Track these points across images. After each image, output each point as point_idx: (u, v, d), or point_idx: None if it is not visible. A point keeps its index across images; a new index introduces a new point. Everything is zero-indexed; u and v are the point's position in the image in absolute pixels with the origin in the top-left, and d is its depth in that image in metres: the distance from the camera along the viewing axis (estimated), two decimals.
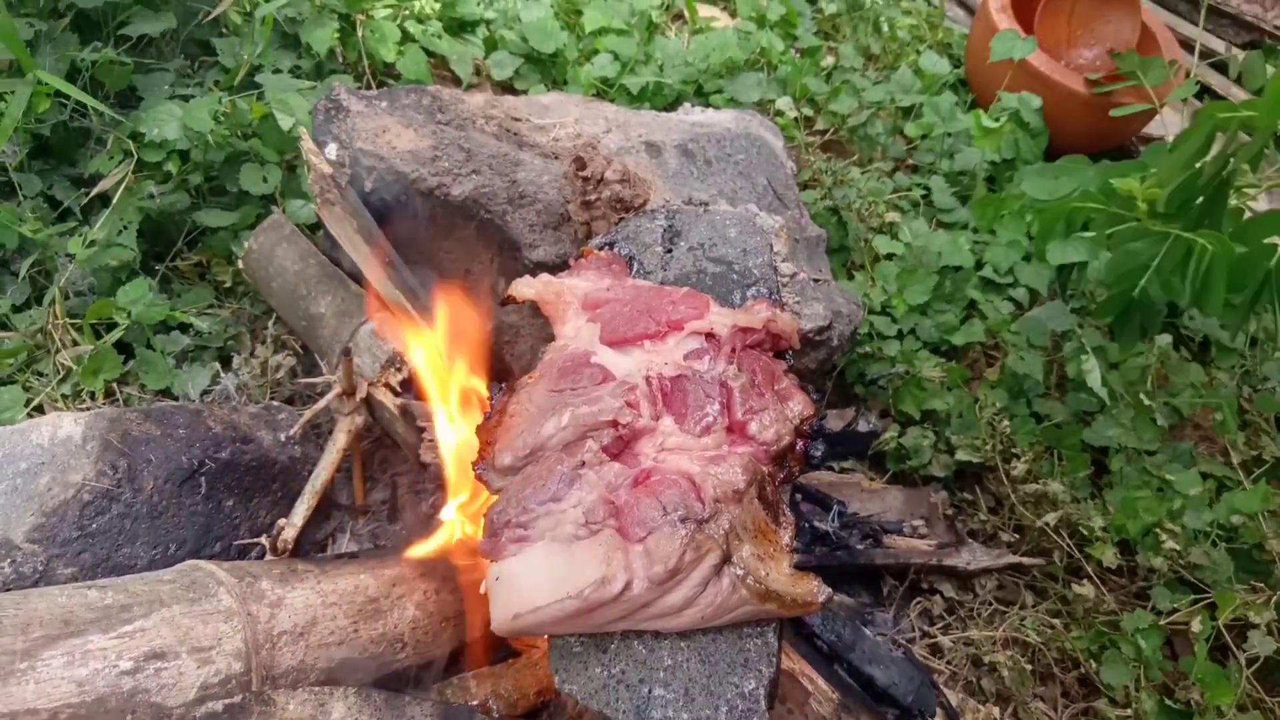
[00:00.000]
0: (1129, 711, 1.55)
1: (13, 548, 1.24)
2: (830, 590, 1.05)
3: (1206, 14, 3.03)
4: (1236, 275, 1.31)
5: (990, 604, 1.72)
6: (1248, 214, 1.48)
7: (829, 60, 2.71)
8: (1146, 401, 1.81)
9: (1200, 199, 1.34)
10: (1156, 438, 1.81)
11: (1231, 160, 1.29)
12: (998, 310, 2.09)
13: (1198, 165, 1.31)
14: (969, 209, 2.34)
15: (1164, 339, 1.94)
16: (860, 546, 1.69)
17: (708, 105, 2.42)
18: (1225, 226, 1.35)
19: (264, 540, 1.40)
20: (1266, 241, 1.32)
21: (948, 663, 1.65)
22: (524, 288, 1.31)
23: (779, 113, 2.46)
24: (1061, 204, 1.51)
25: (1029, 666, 1.61)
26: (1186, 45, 2.80)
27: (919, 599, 1.74)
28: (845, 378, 1.99)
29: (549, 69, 2.49)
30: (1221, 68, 2.86)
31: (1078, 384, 1.87)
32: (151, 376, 1.73)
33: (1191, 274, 1.33)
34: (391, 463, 1.64)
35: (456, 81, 2.40)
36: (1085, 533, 1.70)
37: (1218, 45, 2.91)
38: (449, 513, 1.41)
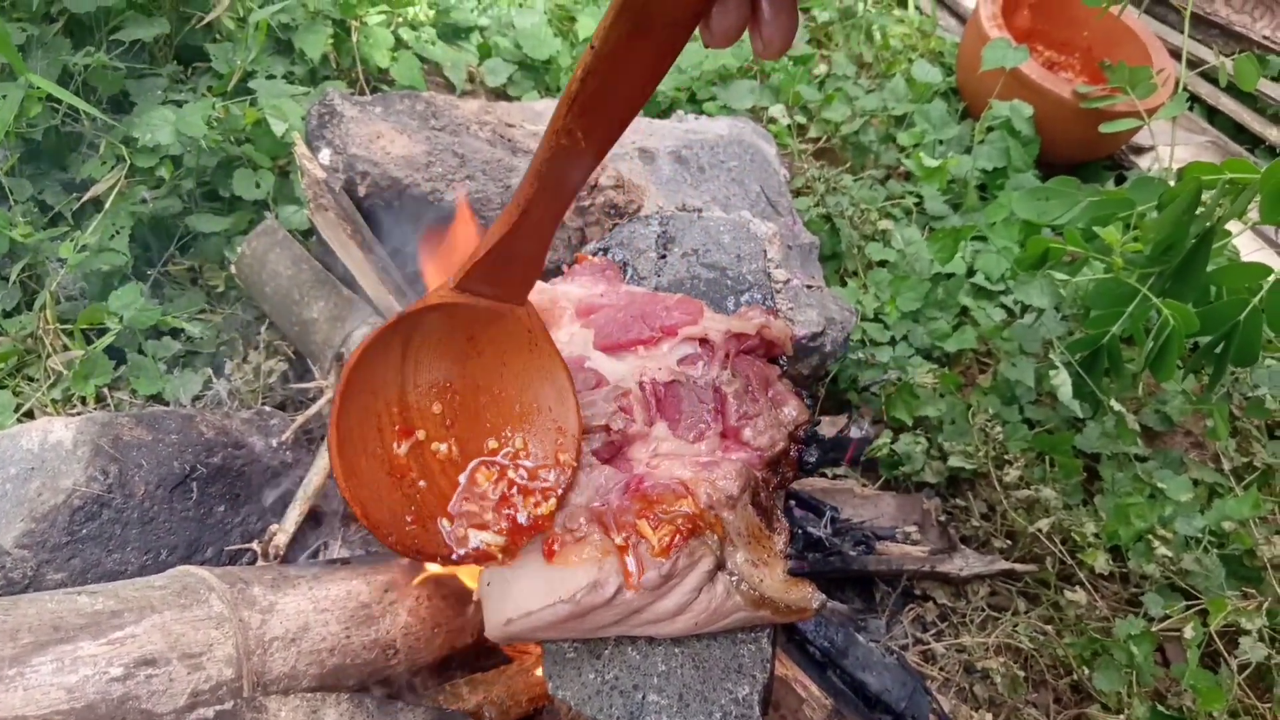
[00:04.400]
0: (1121, 717, 1.55)
1: (2, 553, 1.23)
2: (824, 596, 1.05)
3: (1194, 24, 3.06)
4: (1208, 320, 1.35)
5: (983, 610, 1.73)
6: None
7: (822, 68, 2.72)
8: (1117, 407, 1.82)
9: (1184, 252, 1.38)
10: (1133, 443, 1.82)
11: (1218, 213, 1.32)
12: (990, 317, 2.09)
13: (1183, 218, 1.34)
14: (960, 216, 2.35)
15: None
16: (853, 553, 1.69)
17: (701, 112, 2.43)
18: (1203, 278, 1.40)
19: (255, 546, 1.40)
20: (1238, 292, 1.36)
21: (940, 669, 1.65)
22: None
23: (772, 120, 2.47)
24: (1043, 241, 1.58)
25: (1021, 673, 1.61)
26: (1177, 56, 2.82)
27: (912, 605, 1.74)
28: (838, 384, 2.00)
29: (542, 75, 2.50)
30: (1211, 78, 2.88)
31: None
32: (143, 382, 1.73)
33: (1152, 341, 1.38)
34: None
35: (450, 88, 2.40)
36: (1077, 539, 1.71)
37: (1207, 55, 2.93)
38: None
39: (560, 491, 0.99)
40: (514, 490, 0.98)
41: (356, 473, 0.92)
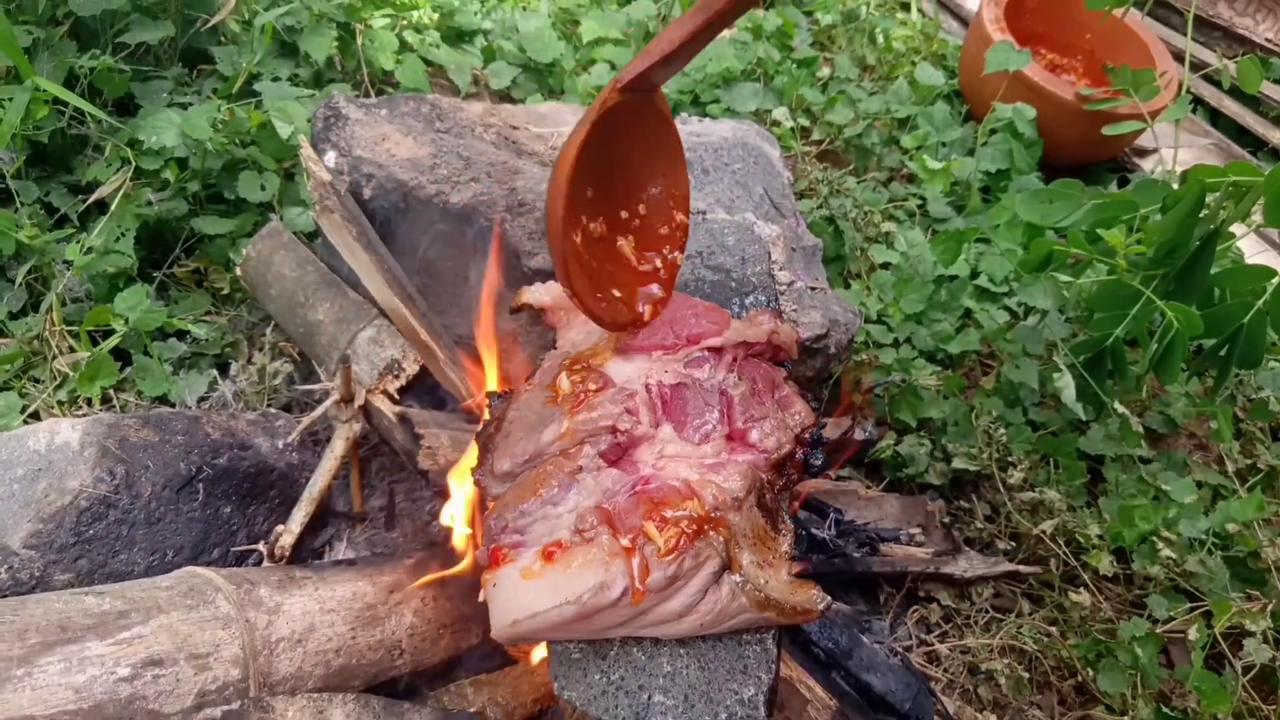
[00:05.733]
0: (1125, 719, 1.55)
1: (10, 554, 1.23)
2: (829, 598, 1.05)
3: (1197, 27, 3.06)
4: (1212, 323, 1.35)
5: (987, 612, 1.73)
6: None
7: (825, 71, 2.72)
8: (1121, 410, 1.82)
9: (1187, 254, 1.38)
10: (1137, 445, 1.82)
11: (1221, 216, 1.32)
12: (993, 319, 2.09)
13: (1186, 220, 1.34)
14: (963, 219, 2.35)
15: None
16: (857, 554, 1.69)
17: (705, 115, 2.43)
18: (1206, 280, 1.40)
19: (261, 547, 1.40)
20: (1242, 295, 1.36)
21: (945, 670, 1.65)
22: (540, 294, 1.32)
23: (775, 122, 2.47)
24: (1047, 243, 1.59)
25: (1026, 674, 1.61)
26: (1180, 58, 2.82)
27: (916, 607, 1.74)
28: (841, 386, 2.00)
29: (546, 78, 2.50)
30: (1214, 81, 2.88)
31: None
32: (148, 383, 1.73)
33: (1155, 344, 1.38)
34: (389, 470, 1.64)
35: (454, 91, 2.41)
36: (1081, 540, 1.71)
37: (1210, 57, 2.93)
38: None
39: (682, 241, 1.17)
40: (649, 248, 1.17)
41: (566, 268, 1.06)
